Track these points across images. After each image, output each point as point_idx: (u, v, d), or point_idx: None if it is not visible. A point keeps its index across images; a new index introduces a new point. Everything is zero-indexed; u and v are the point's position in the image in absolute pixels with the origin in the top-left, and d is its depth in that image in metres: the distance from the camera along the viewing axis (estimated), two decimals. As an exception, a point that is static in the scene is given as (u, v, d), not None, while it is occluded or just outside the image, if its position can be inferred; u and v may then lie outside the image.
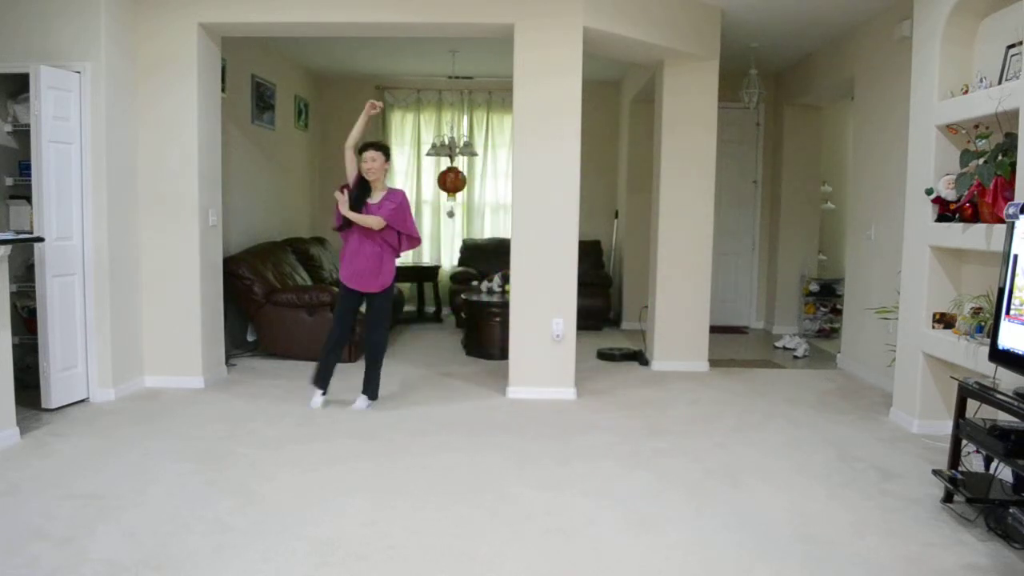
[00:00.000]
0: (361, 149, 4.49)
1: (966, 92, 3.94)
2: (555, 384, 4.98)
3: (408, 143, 8.80)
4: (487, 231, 8.88)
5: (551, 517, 3.07)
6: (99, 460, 3.63)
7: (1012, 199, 3.44)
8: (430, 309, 8.56)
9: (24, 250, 4.58)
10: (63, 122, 4.44)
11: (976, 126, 3.87)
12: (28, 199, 4.57)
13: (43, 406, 4.36)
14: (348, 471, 3.55)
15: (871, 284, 5.60)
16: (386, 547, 2.76)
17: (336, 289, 6.24)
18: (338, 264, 7.94)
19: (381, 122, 8.71)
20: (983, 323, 3.73)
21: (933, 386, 4.26)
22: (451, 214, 8.61)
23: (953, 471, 3.21)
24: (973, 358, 3.66)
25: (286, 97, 7.62)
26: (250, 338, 6.35)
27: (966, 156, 3.87)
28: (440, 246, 8.90)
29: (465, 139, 8.25)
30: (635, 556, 2.74)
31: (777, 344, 6.99)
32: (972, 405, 3.23)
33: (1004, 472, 3.11)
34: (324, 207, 8.77)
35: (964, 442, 3.23)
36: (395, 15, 4.85)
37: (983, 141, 3.78)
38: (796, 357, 6.53)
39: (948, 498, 3.24)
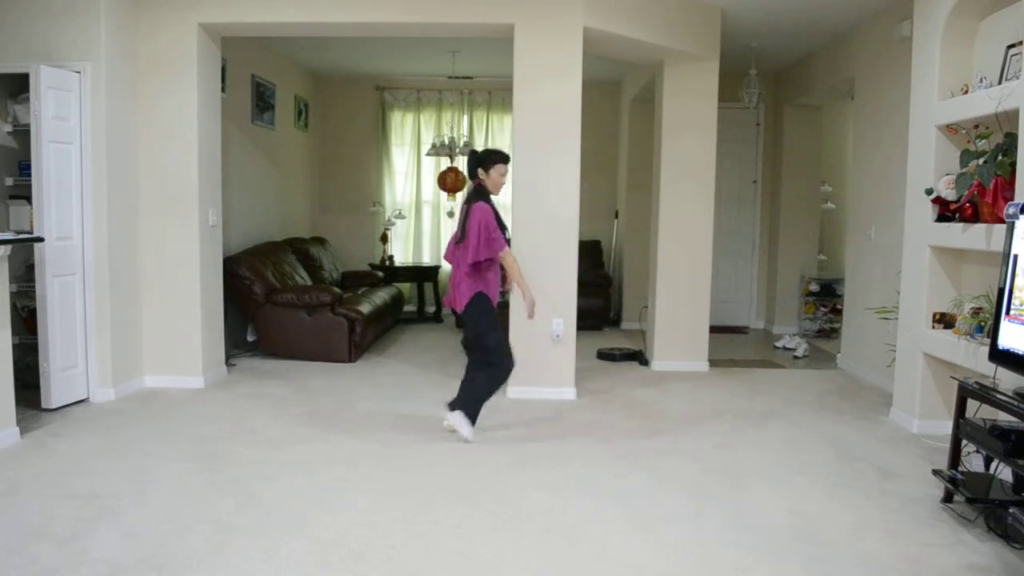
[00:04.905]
0: (496, 160, 3.99)
1: (966, 92, 3.94)
2: (555, 384, 4.98)
3: (408, 143, 8.79)
4: (487, 231, 8.86)
5: (551, 517, 3.07)
6: (99, 460, 3.63)
7: (1012, 199, 3.44)
8: (430, 309, 8.56)
9: (24, 250, 4.58)
10: (63, 122, 4.44)
11: (976, 126, 3.87)
12: (28, 199, 4.57)
13: (43, 406, 4.36)
14: (348, 471, 3.55)
15: (871, 284, 5.59)
16: (386, 547, 2.77)
17: (337, 290, 6.26)
18: (338, 264, 7.98)
19: (381, 122, 8.72)
20: (983, 323, 3.73)
21: (933, 386, 4.26)
22: (451, 214, 8.61)
23: (953, 471, 3.21)
24: (973, 358, 3.66)
25: (286, 97, 7.62)
26: (250, 338, 6.35)
27: (966, 156, 3.87)
28: (440, 246, 8.89)
29: (465, 139, 8.24)
30: (635, 556, 2.74)
31: (777, 344, 6.98)
32: (972, 405, 3.23)
33: (1004, 472, 3.11)
34: (324, 207, 8.78)
35: (964, 442, 3.23)
36: (395, 15, 4.85)
37: (983, 141, 3.78)
38: (796, 357, 6.52)
39: (948, 498, 3.24)
